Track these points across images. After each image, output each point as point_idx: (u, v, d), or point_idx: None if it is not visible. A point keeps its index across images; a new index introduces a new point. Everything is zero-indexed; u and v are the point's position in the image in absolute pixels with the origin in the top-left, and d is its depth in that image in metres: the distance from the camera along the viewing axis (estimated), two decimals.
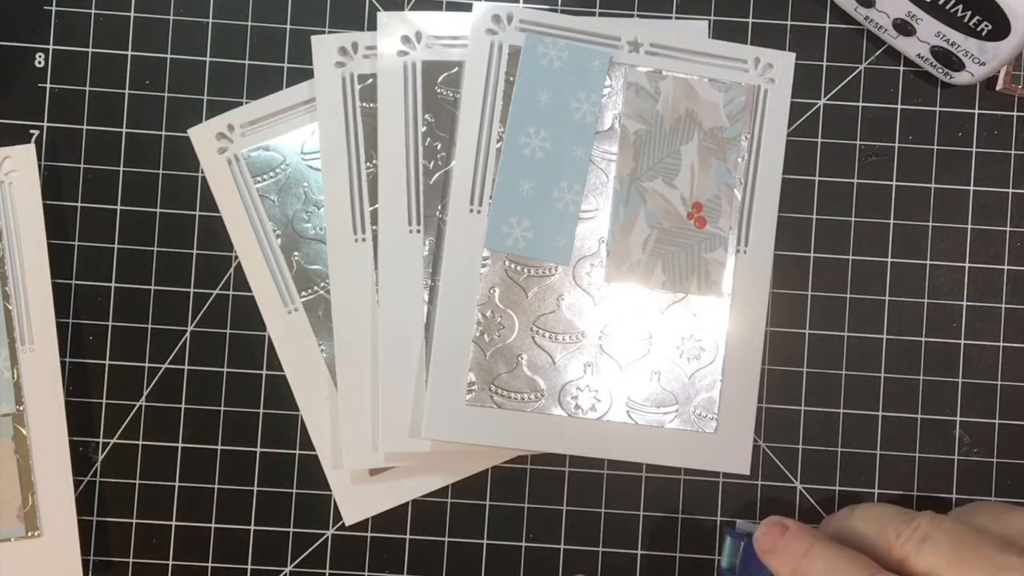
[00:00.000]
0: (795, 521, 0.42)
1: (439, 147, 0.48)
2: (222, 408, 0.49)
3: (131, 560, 0.48)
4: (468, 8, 0.49)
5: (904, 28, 0.47)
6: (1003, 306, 0.49)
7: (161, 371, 0.49)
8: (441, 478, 0.49)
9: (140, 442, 0.49)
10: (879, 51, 0.50)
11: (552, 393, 0.47)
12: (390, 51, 0.48)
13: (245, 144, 0.49)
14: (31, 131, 0.49)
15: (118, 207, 0.49)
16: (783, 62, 0.49)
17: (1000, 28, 0.44)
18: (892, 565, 0.39)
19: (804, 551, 0.40)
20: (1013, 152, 0.50)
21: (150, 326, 0.49)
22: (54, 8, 0.49)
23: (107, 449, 0.49)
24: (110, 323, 0.49)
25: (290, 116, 0.49)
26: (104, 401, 0.49)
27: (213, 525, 0.49)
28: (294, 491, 0.49)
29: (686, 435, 0.48)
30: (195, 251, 0.49)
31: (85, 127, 0.49)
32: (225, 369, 0.49)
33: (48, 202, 0.49)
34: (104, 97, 0.49)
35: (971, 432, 0.49)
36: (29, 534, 0.47)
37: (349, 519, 0.49)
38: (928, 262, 0.49)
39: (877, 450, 0.49)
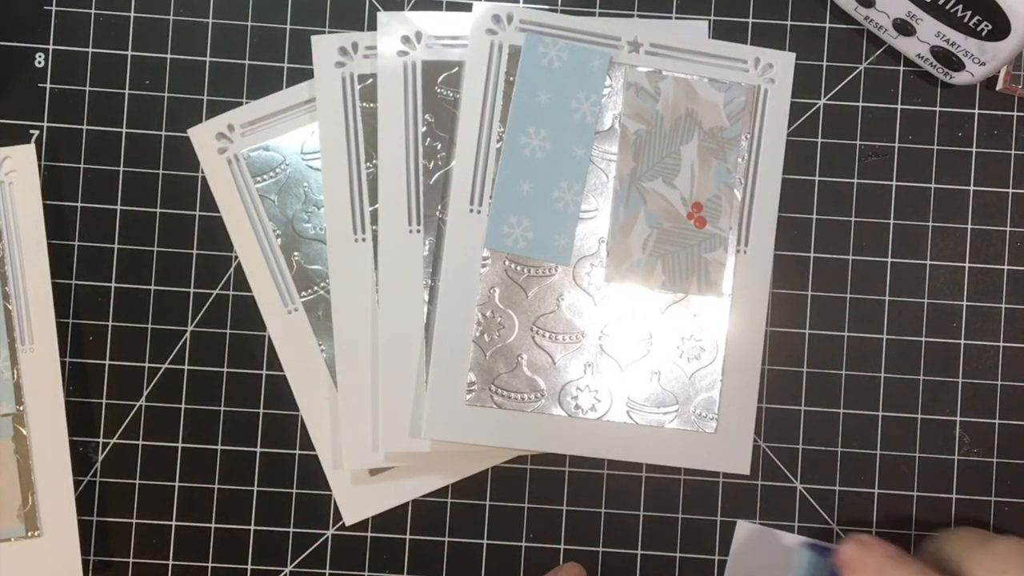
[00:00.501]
0: (874, 537, 0.42)
1: (439, 147, 0.48)
2: (222, 408, 0.49)
3: (131, 560, 0.48)
4: (468, 8, 0.49)
5: (904, 28, 0.47)
6: (1003, 306, 0.49)
7: (161, 371, 0.49)
8: (441, 478, 0.49)
9: (140, 442, 0.49)
10: (879, 51, 0.50)
11: (552, 393, 0.47)
12: (390, 51, 0.48)
13: (245, 144, 0.49)
14: (31, 131, 0.49)
15: (118, 207, 0.49)
16: (783, 62, 0.49)
17: (1000, 28, 0.44)
18: None
19: (878, 568, 0.41)
20: (1013, 152, 0.50)
21: (150, 326, 0.49)
22: (54, 8, 0.49)
23: (107, 449, 0.49)
24: (110, 323, 0.49)
25: (290, 116, 0.49)
26: (104, 401, 0.49)
27: (213, 525, 0.49)
28: (294, 491, 0.49)
29: (686, 435, 0.47)
30: (195, 251, 0.49)
31: (85, 127, 0.49)
32: (225, 369, 0.49)
33: (48, 202, 0.49)
34: (104, 97, 0.49)
35: (971, 432, 0.49)
36: (29, 534, 0.47)
37: (349, 519, 0.49)
38: (928, 262, 0.49)
39: (877, 450, 0.49)
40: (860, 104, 0.50)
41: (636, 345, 0.48)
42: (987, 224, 0.49)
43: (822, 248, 0.49)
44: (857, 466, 0.49)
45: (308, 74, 0.49)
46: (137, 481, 0.49)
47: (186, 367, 0.49)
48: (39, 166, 0.48)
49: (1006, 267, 0.49)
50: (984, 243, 0.49)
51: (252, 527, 0.49)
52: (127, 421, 0.49)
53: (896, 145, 0.50)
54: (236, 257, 0.49)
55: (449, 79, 0.48)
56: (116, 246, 0.49)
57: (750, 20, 0.49)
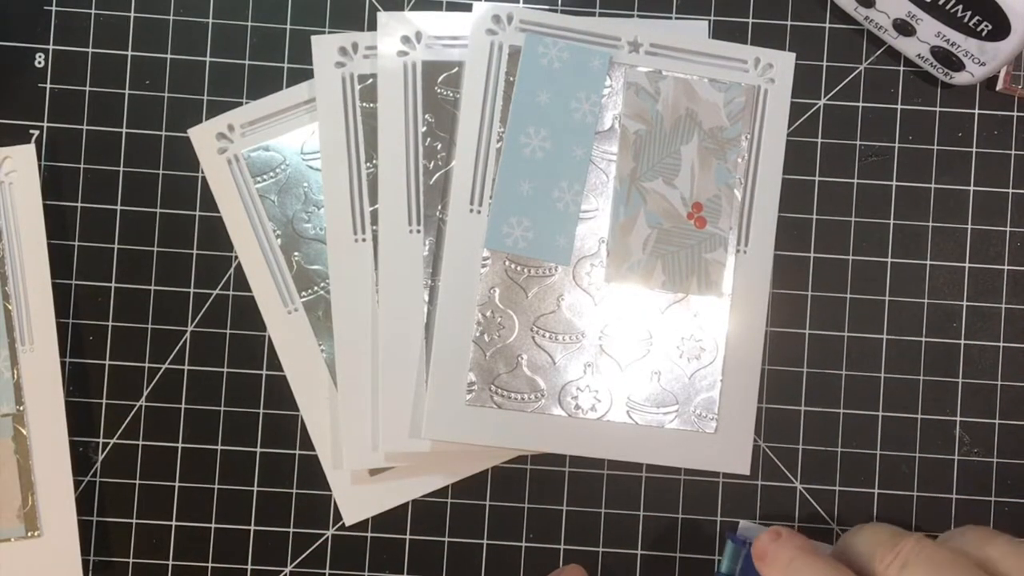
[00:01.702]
0: (789, 529, 0.42)
1: (439, 147, 0.48)
2: (222, 408, 0.49)
3: (131, 560, 0.48)
4: (468, 8, 0.49)
5: (904, 28, 0.47)
6: (1003, 306, 0.49)
7: (161, 371, 0.49)
8: (441, 478, 0.49)
9: (140, 442, 0.49)
10: (879, 51, 0.50)
11: (552, 393, 0.47)
12: (390, 51, 0.48)
13: (245, 144, 0.49)
14: (31, 131, 0.49)
15: (118, 207, 0.49)
16: (783, 62, 0.49)
17: (1000, 28, 0.44)
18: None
19: (789, 559, 0.41)
20: (1013, 152, 0.50)
21: (150, 326, 0.49)
22: (54, 8, 0.49)
23: (107, 449, 0.49)
24: (110, 323, 0.49)
25: (290, 116, 0.49)
26: (104, 401, 0.49)
27: (213, 525, 0.49)
28: (294, 491, 0.49)
29: (686, 435, 0.48)
30: (195, 251, 0.49)
31: (85, 127, 0.49)
32: (225, 369, 0.49)
33: (48, 202, 0.49)
34: (104, 97, 0.49)
35: (971, 432, 0.49)
36: (29, 534, 0.47)
37: (349, 519, 0.49)
38: (928, 262, 0.49)
39: (877, 450, 0.49)
40: (860, 104, 0.50)
41: (636, 345, 0.48)
42: (987, 224, 0.49)
43: (822, 248, 0.49)
44: (857, 466, 0.49)
45: (308, 74, 0.49)
46: (137, 481, 0.49)
47: (186, 367, 0.49)
48: (39, 166, 0.48)
49: (1006, 267, 0.49)
50: (984, 243, 0.49)
51: (252, 527, 0.49)
52: (127, 421, 0.49)
53: (896, 145, 0.50)
54: (236, 257, 0.49)
55: (449, 79, 0.48)
56: (116, 246, 0.49)
57: (750, 20, 0.49)
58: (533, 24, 0.48)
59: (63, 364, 0.48)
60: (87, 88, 0.49)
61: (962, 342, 0.49)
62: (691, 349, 0.48)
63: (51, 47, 0.49)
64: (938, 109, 0.50)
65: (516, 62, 0.48)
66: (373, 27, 0.49)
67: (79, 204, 0.49)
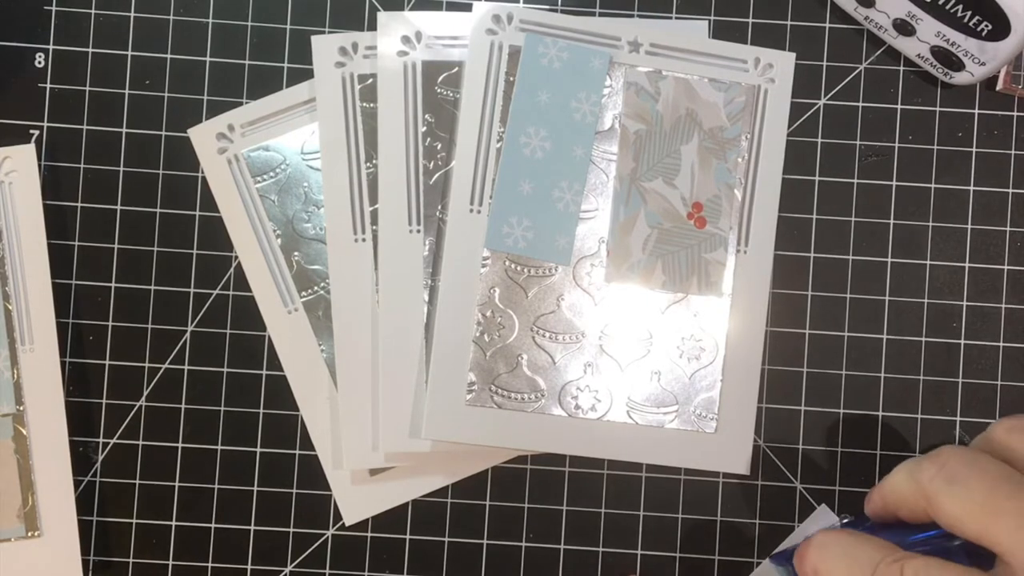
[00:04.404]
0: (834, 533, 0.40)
1: (439, 147, 0.48)
2: (222, 408, 0.49)
3: (131, 560, 0.48)
4: (468, 8, 0.49)
5: (904, 28, 0.47)
6: (1003, 306, 0.49)
7: (161, 371, 0.49)
8: (441, 478, 0.49)
9: (140, 442, 0.49)
10: (879, 51, 0.50)
11: (552, 393, 0.47)
12: (390, 51, 0.48)
13: (245, 144, 0.49)
14: (31, 131, 0.49)
15: (118, 207, 0.49)
16: (783, 62, 0.49)
17: (1000, 28, 0.44)
18: (922, 507, 0.38)
19: (817, 543, 0.38)
20: (1013, 152, 0.50)
21: (150, 326, 0.49)
22: (54, 8, 0.49)
23: (107, 449, 0.49)
24: (110, 323, 0.49)
25: (290, 116, 0.49)
26: (104, 401, 0.49)
27: (213, 525, 0.49)
28: (294, 491, 0.49)
29: (686, 435, 0.47)
30: (195, 251, 0.49)
31: (85, 127, 0.49)
32: (225, 369, 0.49)
33: (48, 202, 0.49)
34: (104, 97, 0.49)
35: (971, 432, 0.49)
36: (29, 534, 0.47)
37: (349, 519, 0.49)
38: (928, 262, 0.49)
39: (877, 450, 0.49)
40: (860, 104, 0.50)
41: (636, 345, 0.48)
42: (987, 224, 0.49)
43: (822, 248, 0.49)
44: (857, 466, 0.49)
45: (308, 74, 0.49)
46: (137, 481, 0.49)
47: (186, 367, 0.49)
48: (39, 166, 0.48)
49: (1006, 267, 0.49)
50: (984, 243, 0.49)
51: (252, 527, 0.49)
52: (127, 421, 0.49)
53: (896, 145, 0.50)
54: (236, 257, 0.49)
55: (449, 79, 0.48)
56: (116, 246, 0.49)
57: (750, 20, 0.49)
58: (533, 24, 0.48)
59: (63, 364, 0.48)
60: (87, 88, 0.49)
61: (962, 342, 0.49)
62: (691, 349, 0.48)
63: (51, 47, 0.49)
64: (938, 109, 0.50)
65: (516, 62, 0.48)
66: (373, 27, 0.49)
67: (79, 204, 0.49)
